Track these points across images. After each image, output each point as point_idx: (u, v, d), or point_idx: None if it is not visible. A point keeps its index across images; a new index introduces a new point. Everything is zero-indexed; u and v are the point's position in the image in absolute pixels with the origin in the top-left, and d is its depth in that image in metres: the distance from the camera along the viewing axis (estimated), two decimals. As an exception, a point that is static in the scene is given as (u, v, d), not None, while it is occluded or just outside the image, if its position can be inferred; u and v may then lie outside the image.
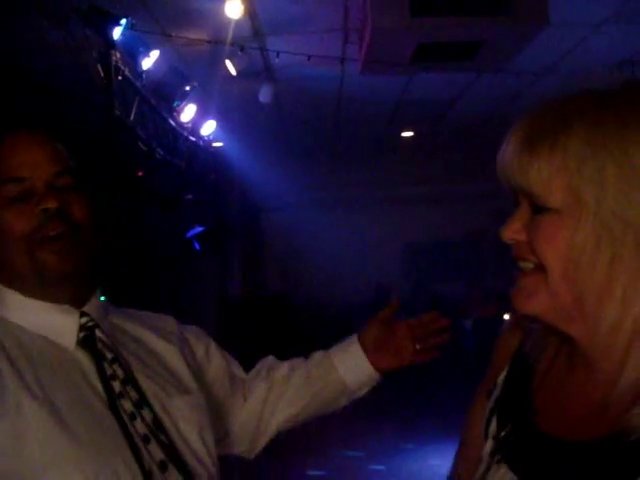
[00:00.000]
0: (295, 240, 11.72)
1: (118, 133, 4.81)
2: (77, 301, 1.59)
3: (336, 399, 2.00)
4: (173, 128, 6.94)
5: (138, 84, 5.51)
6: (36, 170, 1.55)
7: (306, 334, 10.20)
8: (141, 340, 1.72)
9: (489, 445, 1.29)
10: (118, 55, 4.91)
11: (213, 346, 1.96)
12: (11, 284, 1.56)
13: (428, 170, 11.53)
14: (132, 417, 1.50)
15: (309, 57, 5.95)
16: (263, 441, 2.00)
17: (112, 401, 1.50)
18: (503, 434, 1.26)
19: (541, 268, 1.13)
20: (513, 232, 1.17)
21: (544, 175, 1.09)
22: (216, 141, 8.72)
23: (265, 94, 6.94)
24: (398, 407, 8.61)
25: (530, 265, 1.15)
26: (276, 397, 1.98)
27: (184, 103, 6.61)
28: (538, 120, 1.14)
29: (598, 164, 1.05)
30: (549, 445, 1.17)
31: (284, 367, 2.02)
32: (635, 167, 1.04)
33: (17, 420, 1.38)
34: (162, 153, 6.35)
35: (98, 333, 1.58)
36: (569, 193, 1.08)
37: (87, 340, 1.56)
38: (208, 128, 7.86)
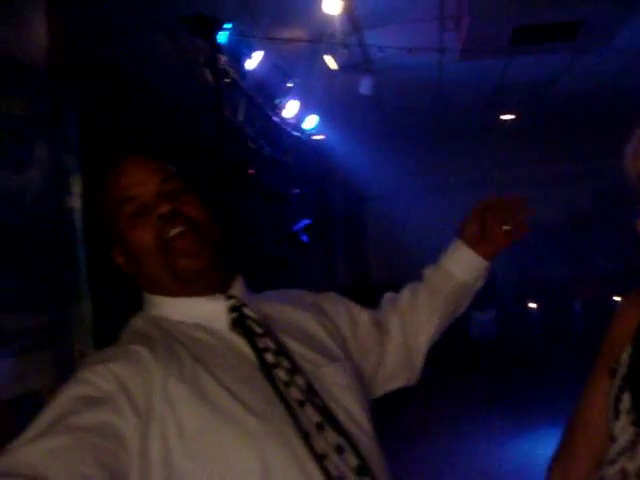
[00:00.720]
0: (398, 227, 11.75)
1: (229, 134, 5.00)
2: (221, 289, 1.70)
3: (463, 298, 2.08)
4: (277, 125, 7.10)
5: (243, 85, 5.69)
6: (143, 186, 1.67)
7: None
8: (283, 315, 1.80)
9: (624, 420, 1.34)
10: (224, 59, 5.09)
11: (351, 305, 2.04)
12: (155, 291, 1.70)
13: (529, 152, 11.39)
14: (287, 385, 1.59)
15: (409, 50, 5.99)
16: (418, 364, 2.06)
17: (268, 371, 1.60)
18: None
19: None
20: None
21: None
22: (319, 134, 8.85)
23: (365, 86, 7.02)
24: (509, 396, 8.58)
25: None
26: (412, 323, 2.05)
27: (286, 100, 6.76)
28: None
29: None
30: None
31: (406, 295, 2.08)
32: None
33: (197, 389, 1.52)
34: (269, 150, 6.52)
35: (246, 311, 1.68)
36: None
37: (238, 320, 1.67)
38: (311, 122, 8.00)
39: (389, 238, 11.96)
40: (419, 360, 2.06)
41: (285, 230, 7.46)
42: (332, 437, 1.57)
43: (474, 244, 2.03)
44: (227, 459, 1.47)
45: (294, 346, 1.70)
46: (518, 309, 11.32)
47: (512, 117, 10.39)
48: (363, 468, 1.58)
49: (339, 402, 1.66)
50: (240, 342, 1.64)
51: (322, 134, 9.05)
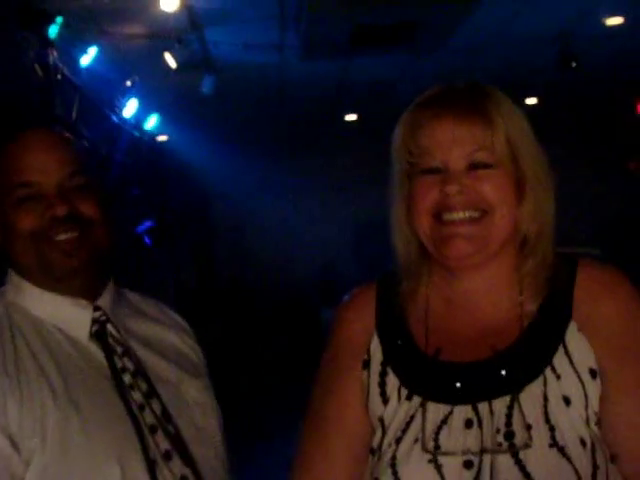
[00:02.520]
0: (245, 226, 11.75)
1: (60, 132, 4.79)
2: (90, 293, 1.63)
3: None
4: (116, 124, 6.91)
5: (77, 82, 5.48)
6: (46, 174, 1.57)
7: (260, 317, 10.41)
8: (149, 332, 1.75)
9: (394, 401, 1.39)
10: (56, 54, 4.88)
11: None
12: (23, 276, 1.62)
13: (373, 153, 11.63)
14: (141, 408, 1.55)
15: (245, 46, 5.97)
16: None
17: (122, 393, 1.55)
18: (406, 378, 1.40)
19: (479, 216, 1.36)
20: (461, 185, 1.36)
21: (497, 133, 1.35)
22: (162, 134, 8.70)
23: (207, 85, 6.95)
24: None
25: (467, 214, 1.37)
26: None
27: (126, 98, 6.59)
28: (469, 90, 1.42)
29: (519, 126, 1.38)
30: (454, 369, 1.37)
31: None
32: (528, 129, 1.41)
33: (40, 406, 1.45)
34: (106, 150, 6.33)
35: (109, 328, 1.62)
36: (506, 147, 1.35)
37: (99, 334, 1.61)
38: (152, 122, 7.85)
39: (237, 236, 11.92)
40: None
41: (126, 232, 7.27)
42: (178, 467, 1.54)
43: None
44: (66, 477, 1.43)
45: (154, 363, 1.66)
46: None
47: (355, 118, 10.54)
48: None
49: (195, 421, 1.65)
50: (98, 357, 1.59)
51: (165, 134, 8.91)
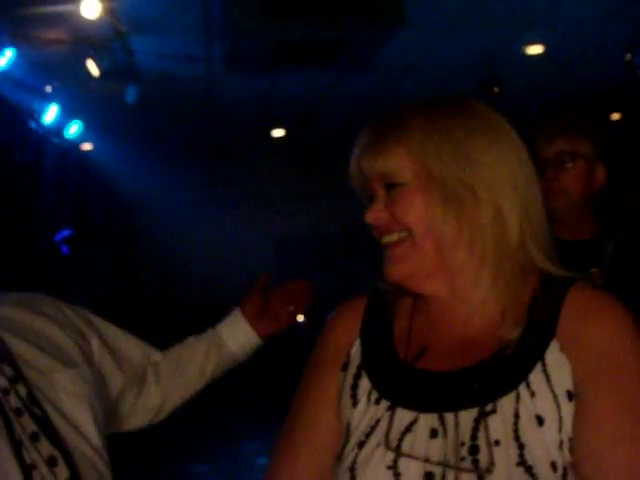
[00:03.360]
0: (170, 240, 11.65)
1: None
2: None
3: (226, 367, 2.18)
4: (34, 130, 6.78)
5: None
6: None
7: (180, 329, 10.23)
8: (20, 318, 1.77)
9: (363, 404, 1.40)
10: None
11: (106, 332, 2.03)
12: None
13: (299, 169, 11.66)
14: (6, 392, 1.56)
15: (162, 56, 5.94)
16: (151, 421, 2.13)
17: None
18: (381, 382, 1.41)
19: (406, 235, 1.39)
20: (376, 212, 1.41)
21: (396, 158, 1.38)
22: (84, 142, 8.57)
23: (130, 94, 6.88)
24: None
25: (395, 237, 1.40)
26: (172, 388, 2.13)
27: (45, 104, 6.47)
28: (384, 122, 1.44)
29: (435, 144, 1.36)
30: (426, 377, 1.38)
31: (176, 360, 2.15)
32: (458, 143, 1.37)
33: None
34: (22, 156, 6.20)
35: None
36: (417, 168, 1.37)
37: None
38: (74, 129, 7.72)
39: (161, 250, 11.82)
40: (162, 415, 2.14)
41: (41, 240, 7.13)
42: (46, 448, 1.55)
43: (253, 319, 2.16)
44: None
45: (24, 351, 1.67)
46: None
47: (283, 134, 10.55)
48: None
49: (64, 411, 1.64)
50: None
51: (89, 142, 8.77)
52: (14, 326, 1.73)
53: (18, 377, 1.61)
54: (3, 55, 5.27)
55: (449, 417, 1.30)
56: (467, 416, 1.29)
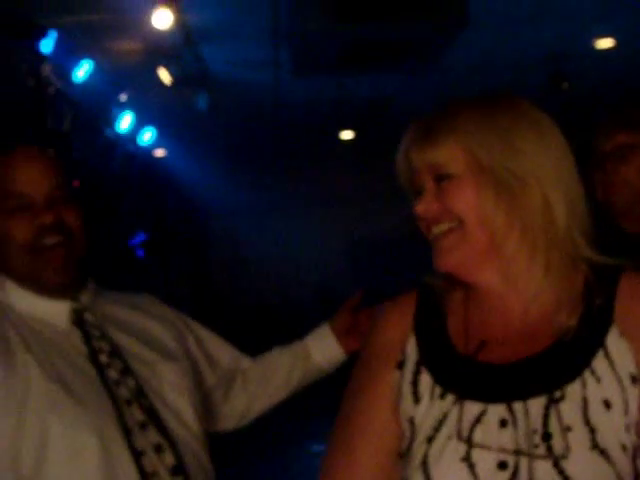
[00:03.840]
0: (244, 243, 11.76)
1: (51, 144, 4.86)
2: (71, 293, 1.82)
3: (314, 378, 2.26)
4: (110, 137, 6.98)
5: (71, 95, 5.56)
6: (35, 187, 1.75)
7: (253, 335, 10.33)
8: (126, 316, 1.92)
9: (426, 401, 1.41)
10: (49, 66, 4.95)
11: (210, 338, 2.18)
12: (8, 274, 1.79)
13: (368, 168, 11.67)
14: (117, 383, 1.72)
15: (232, 63, 6.06)
16: (236, 425, 2.24)
17: (100, 371, 1.72)
18: (445, 378, 1.41)
19: (457, 225, 1.42)
20: (427, 203, 1.44)
21: (447, 149, 1.41)
22: (157, 148, 8.76)
23: (201, 101, 7.02)
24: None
25: (445, 227, 1.43)
26: (257, 394, 2.21)
27: (120, 112, 6.67)
28: (432, 116, 1.48)
29: (483, 135, 1.41)
30: (489, 369, 1.39)
31: (265, 367, 2.24)
32: (506, 134, 1.41)
33: (24, 379, 1.63)
34: (100, 163, 6.40)
35: (87, 316, 1.81)
36: (467, 158, 1.41)
37: (77, 321, 1.79)
38: (147, 136, 7.92)
39: (233, 253, 11.94)
40: (246, 421, 2.24)
41: (118, 244, 7.33)
42: (153, 436, 1.69)
43: (342, 336, 2.21)
44: (53, 444, 1.59)
45: (131, 346, 1.83)
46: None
47: (352, 136, 10.60)
48: (178, 467, 1.69)
49: (168, 401, 1.78)
50: (78, 341, 1.76)
51: (161, 148, 8.97)
52: (120, 323, 1.88)
53: (127, 370, 1.76)
54: (82, 67, 5.47)
55: (518, 406, 1.33)
56: (537, 404, 1.32)
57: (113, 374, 1.74)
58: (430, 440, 1.36)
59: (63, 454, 1.60)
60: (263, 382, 2.21)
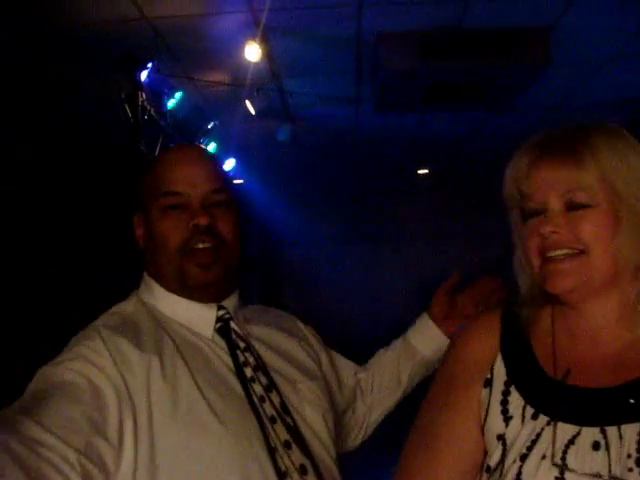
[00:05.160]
0: (314, 275, 11.85)
1: (141, 168, 5.09)
2: (218, 300, 1.78)
3: (423, 372, 2.21)
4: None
5: (163, 123, 5.81)
6: (193, 187, 1.71)
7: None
8: (268, 332, 1.88)
9: (517, 421, 1.43)
10: (144, 96, 5.20)
11: (339, 359, 2.17)
12: (158, 279, 1.77)
13: (443, 206, 11.70)
14: (262, 400, 1.66)
15: (321, 97, 6.20)
16: (361, 438, 2.20)
17: (244, 384, 1.66)
18: (534, 400, 1.44)
19: (580, 252, 1.42)
20: (555, 226, 1.43)
21: (591, 173, 1.41)
22: (237, 178, 8.96)
23: (283, 133, 7.18)
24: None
25: (566, 251, 1.42)
26: (374, 402, 2.18)
27: (206, 140, 6.89)
28: (565, 133, 1.48)
29: (619, 164, 1.42)
30: (582, 392, 1.42)
31: (376, 370, 2.22)
32: (635, 165, 1.44)
33: (175, 389, 1.57)
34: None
35: (232, 325, 1.76)
36: (606, 187, 1.41)
37: (223, 330, 1.75)
38: (229, 165, 8.12)
39: (304, 284, 12.02)
40: (369, 431, 2.19)
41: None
42: (297, 457, 1.62)
43: (441, 321, 2.16)
44: (195, 465, 1.51)
45: (273, 361, 1.77)
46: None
47: (427, 171, 10.67)
48: None
49: (307, 420, 1.72)
50: (222, 351, 1.71)
51: (241, 178, 9.17)
52: (262, 337, 1.83)
53: (272, 386, 1.70)
54: (174, 97, 5.71)
55: (612, 430, 1.35)
56: (630, 430, 1.34)
57: (258, 389, 1.67)
58: (523, 458, 1.39)
59: (201, 472, 1.53)
60: (374, 388, 2.17)
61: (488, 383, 1.51)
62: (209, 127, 6.63)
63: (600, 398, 1.40)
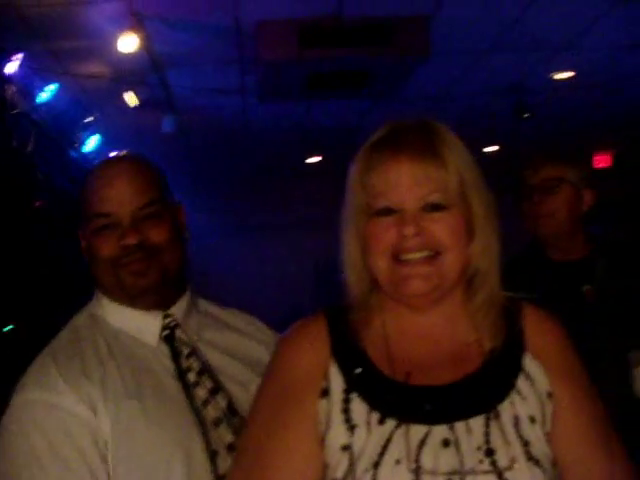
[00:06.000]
0: (209, 267, 11.77)
1: (14, 163, 4.90)
2: (162, 306, 1.81)
3: None
4: (75, 159, 6.99)
5: (35, 117, 5.60)
6: (121, 205, 1.73)
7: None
8: (222, 338, 1.90)
9: (364, 429, 1.38)
10: (13, 89, 4.99)
11: None
12: (102, 291, 1.81)
13: (334, 194, 11.75)
14: (205, 403, 1.70)
15: (205, 88, 6.11)
16: None
17: (187, 390, 1.70)
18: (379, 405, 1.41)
19: (434, 255, 1.42)
20: (417, 227, 1.40)
21: (451, 174, 1.41)
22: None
23: (168, 124, 7.08)
24: None
25: (424, 254, 1.41)
26: None
27: (86, 134, 6.71)
28: (417, 127, 1.49)
29: (468, 165, 1.45)
30: (425, 392, 1.42)
31: None
32: (476, 170, 1.47)
33: (117, 404, 1.61)
34: (65, 184, 6.40)
35: (178, 333, 1.80)
36: (458, 189, 1.41)
37: (168, 338, 1.78)
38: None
39: (200, 276, 11.90)
40: None
41: (67, 264, 7.30)
42: None
43: None
44: (134, 468, 1.58)
45: (224, 364, 1.82)
46: None
47: (319, 160, 10.67)
48: None
49: None
50: (166, 359, 1.75)
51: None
52: (214, 342, 1.86)
53: (217, 388, 1.74)
54: (46, 89, 5.51)
55: (459, 426, 1.38)
56: (477, 423, 1.38)
57: (202, 393, 1.71)
58: (376, 466, 1.35)
59: (133, 476, 1.60)
60: None
61: (325, 393, 1.44)
62: (89, 120, 6.43)
63: (443, 395, 1.42)
